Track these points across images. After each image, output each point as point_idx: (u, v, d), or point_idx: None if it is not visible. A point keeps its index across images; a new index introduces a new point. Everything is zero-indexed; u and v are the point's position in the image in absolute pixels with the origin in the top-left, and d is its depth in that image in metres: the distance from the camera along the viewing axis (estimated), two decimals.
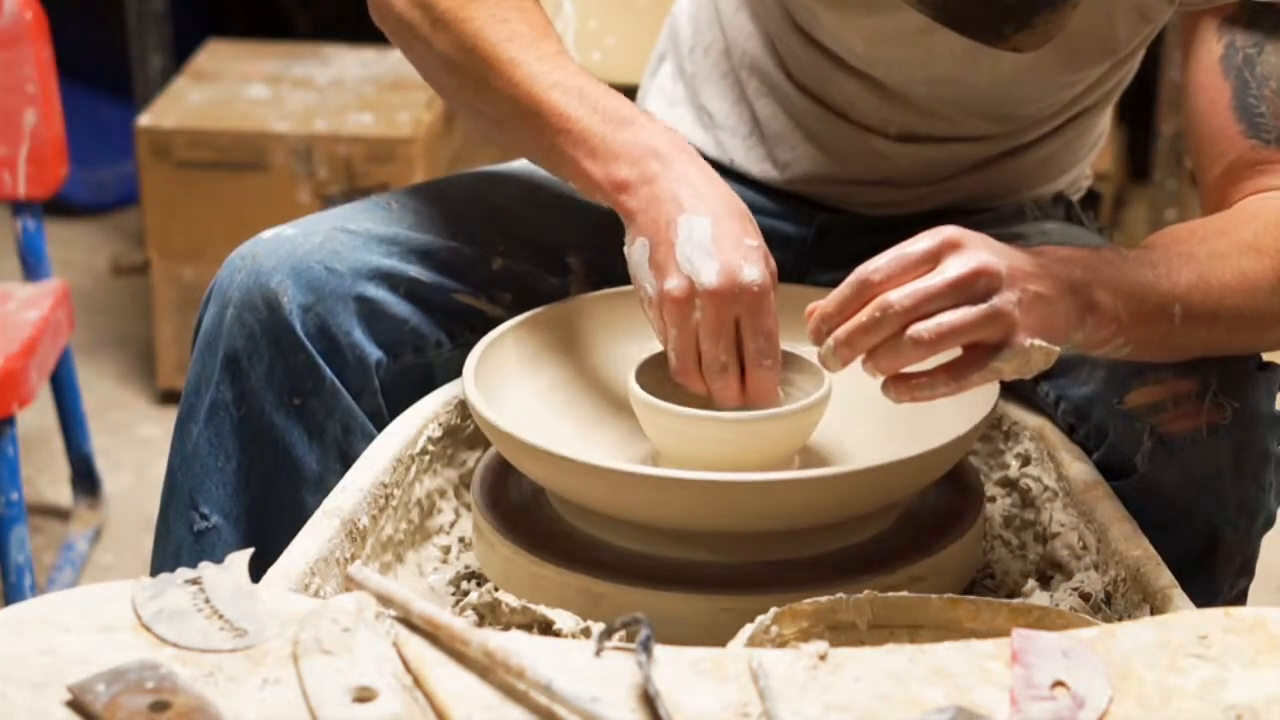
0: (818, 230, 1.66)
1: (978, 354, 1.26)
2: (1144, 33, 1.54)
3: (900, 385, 1.27)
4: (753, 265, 1.34)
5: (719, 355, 1.35)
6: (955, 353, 1.27)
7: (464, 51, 1.46)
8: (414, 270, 1.53)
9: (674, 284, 1.34)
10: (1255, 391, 1.38)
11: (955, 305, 1.24)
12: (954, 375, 1.26)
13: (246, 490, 1.50)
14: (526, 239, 1.59)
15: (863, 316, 1.25)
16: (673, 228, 1.35)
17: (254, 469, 1.50)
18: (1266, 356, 1.44)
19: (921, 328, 1.23)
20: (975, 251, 1.25)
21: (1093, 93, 1.63)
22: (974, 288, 1.24)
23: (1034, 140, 1.64)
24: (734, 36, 1.66)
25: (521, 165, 1.65)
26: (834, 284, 1.30)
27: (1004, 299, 1.24)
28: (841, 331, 1.26)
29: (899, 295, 1.24)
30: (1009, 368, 1.25)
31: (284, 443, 1.49)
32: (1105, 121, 1.72)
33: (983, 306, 1.24)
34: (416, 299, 1.54)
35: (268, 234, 1.52)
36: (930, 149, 1.62)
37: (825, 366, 1.30)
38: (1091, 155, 1.73)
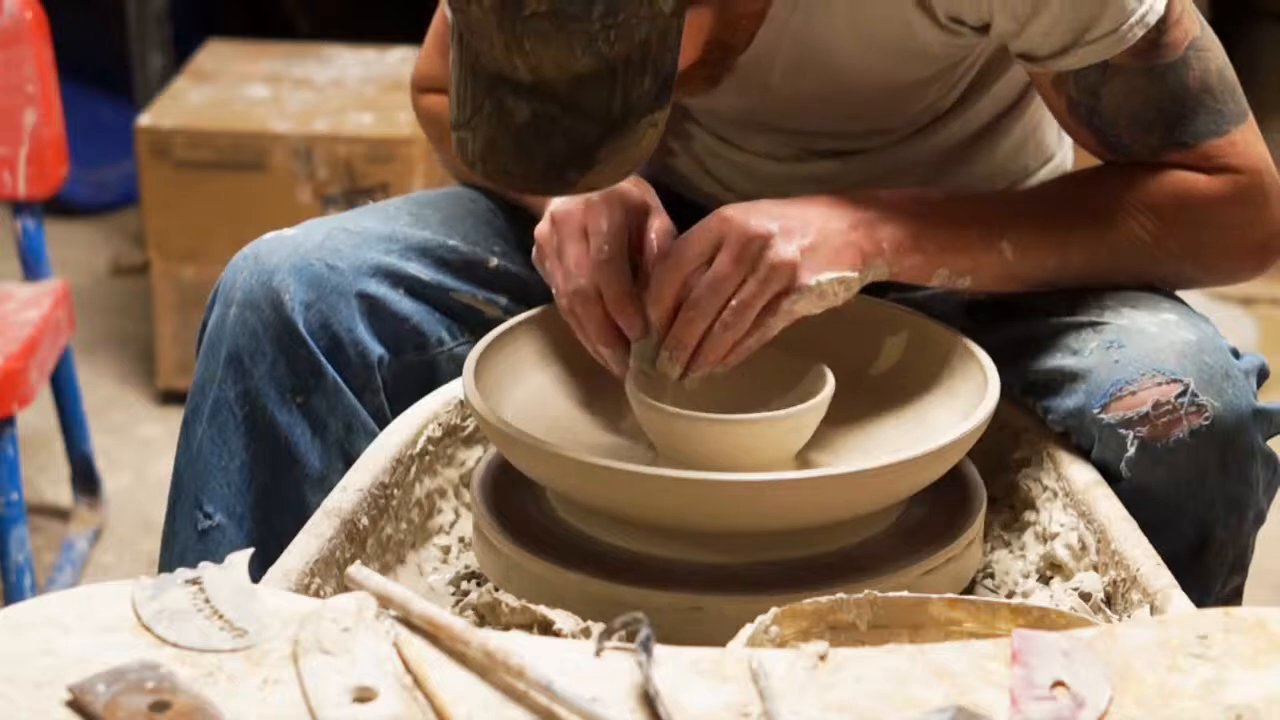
0: None
1: (773, 303, 1.37)
2: (962, 44, 1.52)
3: (720, 360, 1.39)
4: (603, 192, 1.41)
5: (566, 260, 1.41)
6: None
7: None
8: (413, 268, 1.54)
9: (539, 225, 1.45)
10: (1234, 389, 1.39)
11: (744, 276, 1.36)
12: (757, 327, 1.38)
13: (250, 489, 1.51)
14: (520, 240, 1.60)
15: (680, 324, 1.38)
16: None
17: (257, 467, 1.50)
18: (1244, 349, 1.45)
19: (725, 314, 1.36)
20: (744, 221, 1.37)
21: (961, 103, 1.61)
22: (752, 254, 1.36)
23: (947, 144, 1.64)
24: None
25: None
26: None
27: (778, 251, 1.36)
28: (671, 342, 1.38)
29: (698, 294, 1.37)
30: (801, 306, 1.38)
31: (287, 441, 1.50)
32: (1040, 130, 1.71)
33: (761, 267, 1.36)
34: (417, 296, 1.55)
35: (270, 235, 1.54)
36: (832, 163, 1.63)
37: (667, 377, 1.40)
38: (1044, 165, 1.71)
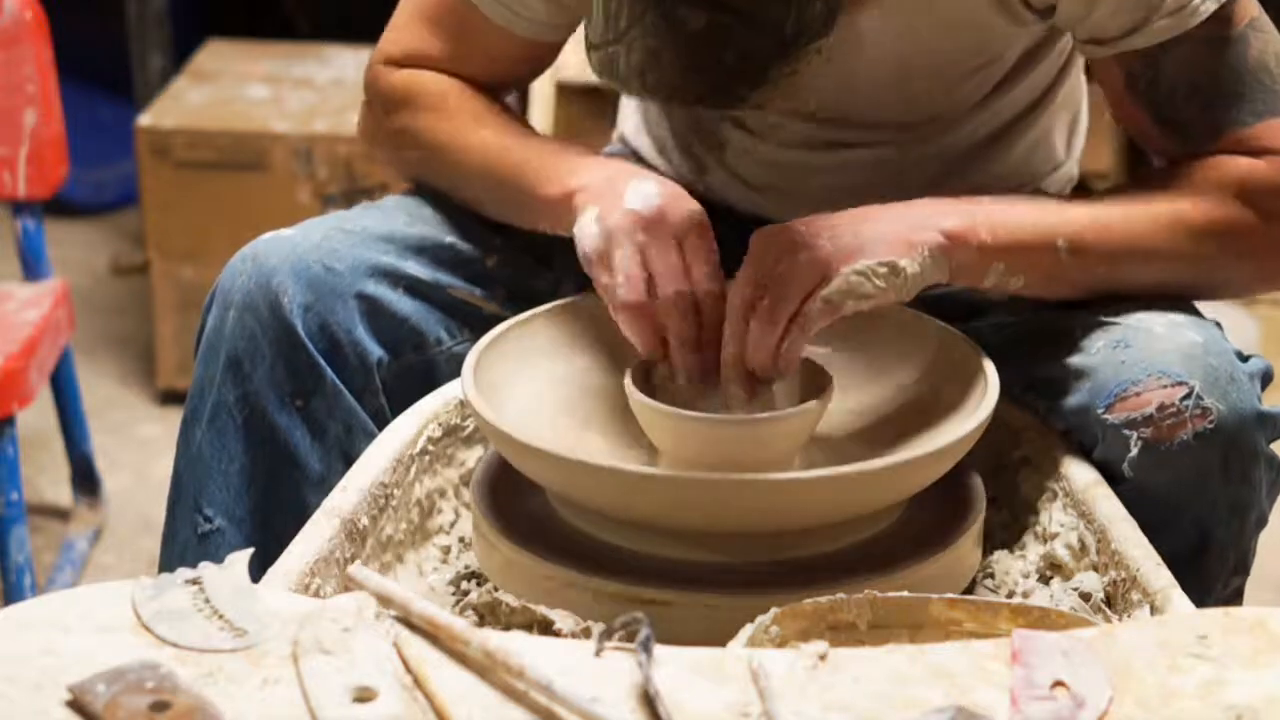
0: None
1: (810, 296, 1.37)
2: (1022, 32, 1.53)
3: (772, 363, 1.38)
4: (693, 202, 1.41)
5: (668, 261, 1.39)
6: None
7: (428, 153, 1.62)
8: (411, 267, 1.54)
9: (616, 218, 1.41)
10: (1239, 392, 1.39)
11: (780, 276, 1.36)
12: (799, 325, 1.37)
13: (250, 492, 1.50)
14: (516, 237, 1.60)
15: (726, 340, 1.38)
16: (621, 193, 1.42)
17: (257, 470, 1.50)
18: (1248, 350, 1.45)
19: (760, 312, 1.36)
20: (776, 232, 1.38)
21: (1004, 98, 1.62)
22: (782, 254, 1.36)
23: (976, 144, 1.64)
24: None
25: None
26: None
27: (810, 250, 1.36)
28: (727, 355, 1.38)
29: (734, 296, 1.37)
30: (837, 296, 1.36)
31: (287, 443, 1.50)
32: (1067, 126, 1.71)
33: (793, 265, 1.36)
34: (415, 295, 1.55)
35: (267, 236, 1.53)
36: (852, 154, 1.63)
37: (733, 402, 1.39)
38: (1052, 172, 1.72)
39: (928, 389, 1.47)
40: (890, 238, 1.38)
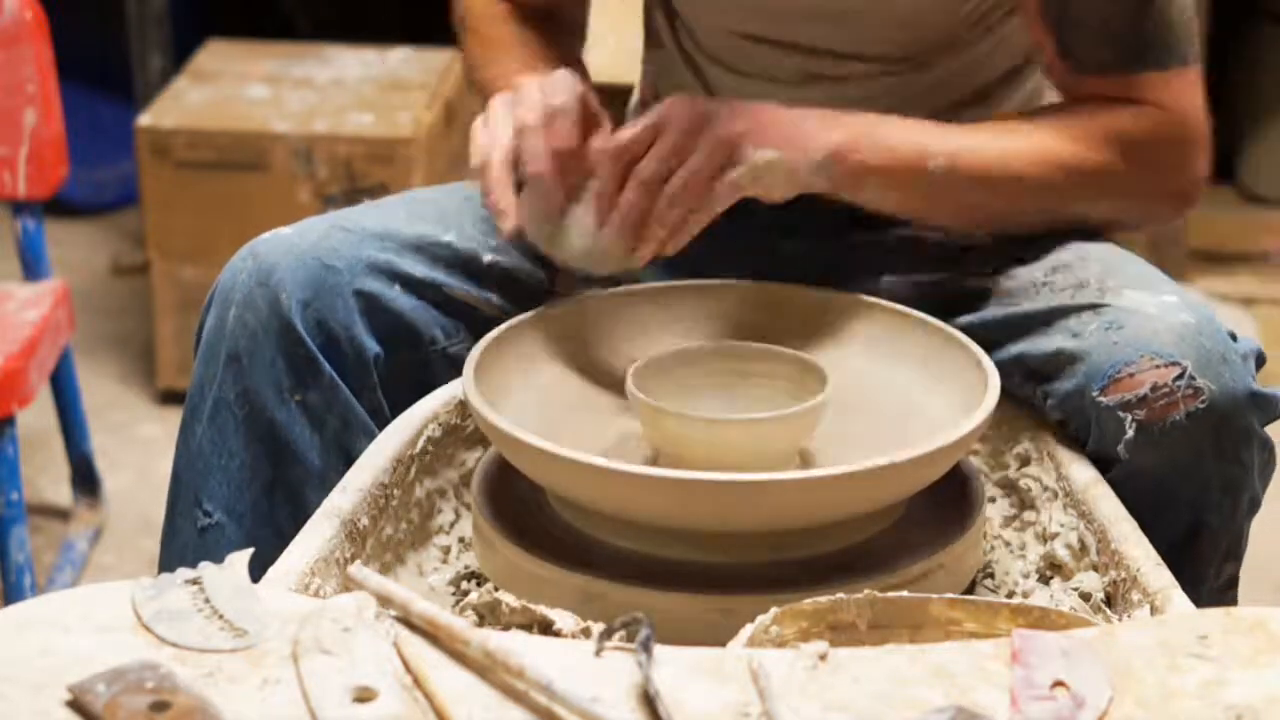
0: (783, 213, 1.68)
1: (717, 176, 1.41)
2: None
3: (669, 235, 1.42)
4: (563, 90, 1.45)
5: (523, 115, 1.44)
6: None
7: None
8: (408, 264, 1.55)
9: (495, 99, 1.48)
10: (1232, 371, 1.40)
11: (690, 151, 1.40)
12: (703, 202, 1.41)
13: (250, 487, 1.51)
14: None
15: (628, 198, 1.41)
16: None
17: (256, 466, 1.51)
18: (1241, 334, 1.45)
19: (669, 188, 1.40)
20: (690, 102, 1.42)
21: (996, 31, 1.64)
22: (697, 129, 1.40)
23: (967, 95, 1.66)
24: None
25: None
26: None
27: (724, 126, 1.41)
28: (617, 219, 1.41)
29: (644, 168, 1.40)
30: (744, 179, 1.41)
31: (285, 438, 1.50)
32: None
33: (707, 139, 1.40)
34: (413, 293, 1.55)
35: (267, 235, 1.54)
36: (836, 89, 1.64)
37: (609, 255, 1.43)
38: None
39: (928, 389, 1.47)
40: (790, 138, 1.44)
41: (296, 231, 1.54)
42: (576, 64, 1.67)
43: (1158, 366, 1.39)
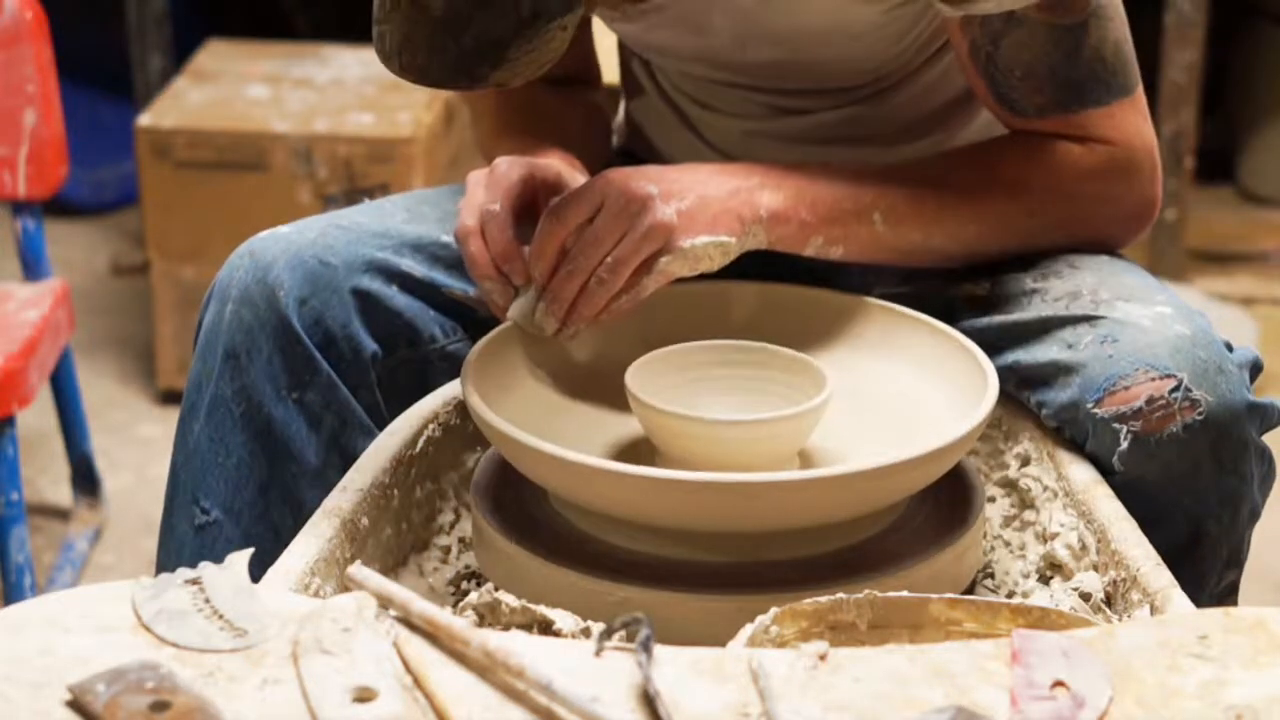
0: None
1: (648, 263, 1.43)
2: None
3: (594, 317, 1.44)
4: (542, 165, 1.50)
5: (470, 203, 1.47)
6: None
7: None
8: (406, 264, 1.55)
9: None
10: (1228, 383, 1.40)
11: (621, 234, 1.41)
12: (629, 287, 1.43)
13: (247, 485, 1.51)
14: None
15: (558, 279, 1.43)
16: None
17: (254, 463, 1.51)
18: (1237, 344, 1.45)
19: (600, 271, 1.42)
20: (625, 182, 1.42)
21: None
22: (631, 213, 1.41)
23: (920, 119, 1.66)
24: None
25: None
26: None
27: (657, 214, 1.41)
28: (549, 295, 1.44)
29: (575, 250, 1.42)
30: (675, 267, 1.44)
31: (283, 436, 1.50)
32: None
33: (639, 226, 1.41)
34: (410, 293, 1.55)
35: (264, 233, 1.54)
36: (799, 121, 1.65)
37: (543, 330, 1.45)
38: None
39: (927, 389, 1.47)
40: (724, 209, 1.45)
41: (294, 230, 1.54)
42: (583, 119, 1.71)
43: (1153, 379, 1.39)
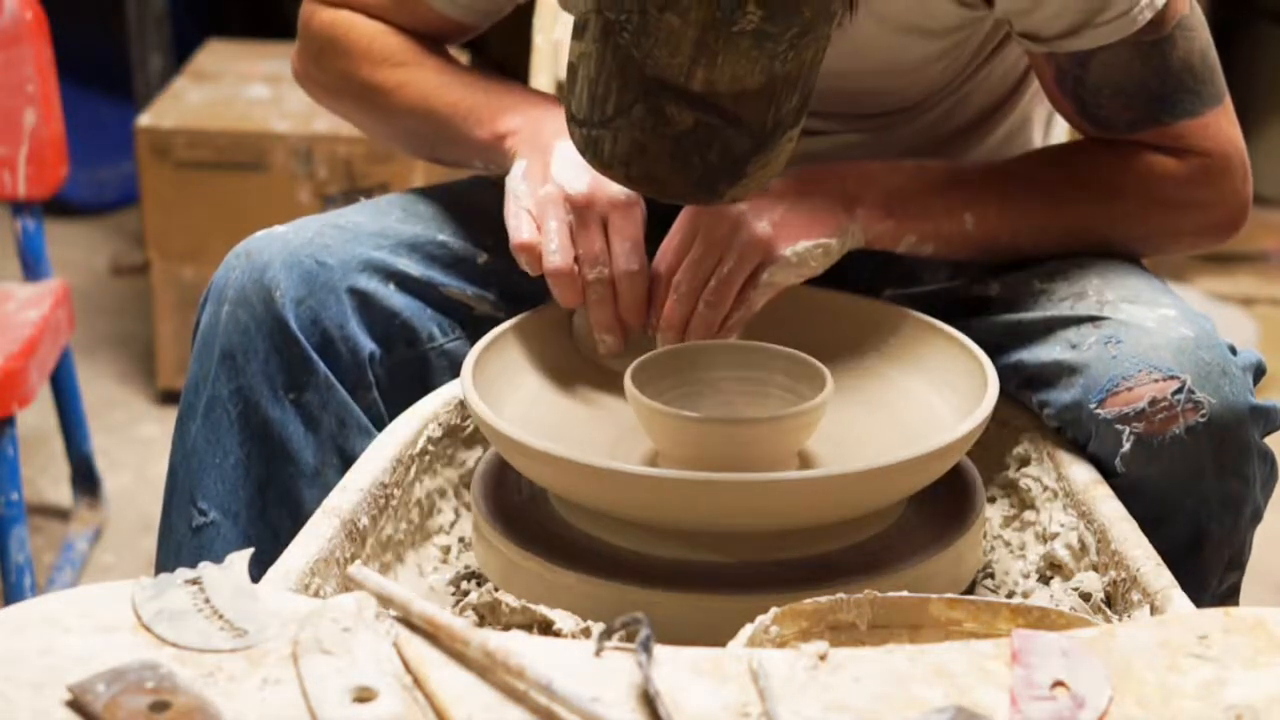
0: None
1: (752, 278, 1.46)
2: (972, 20, 1.53)
3: (711, 338, 1.46)
4: (617, 185, 1.44)
5: (591, 247, 1.47)
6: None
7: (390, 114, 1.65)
8: (403, 263, 1.55)
9: (548, 189, 1.48)
10: (1232, 386, 1.40)
11: (719, 256, 1.45)
12: (739, 305, 1.47)
13: (245, 485, 1.51)
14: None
15: (668, 308, 1.46)
16: (549, 150, 1.50)
17: (252, 464, 1.51)
18: (1240, 346, 1.45)
19: (706, 294, 1.45)
20: (715, 208, 1.44)
21: (959, 89, 1.64)
22: (724, 234, 1.44)
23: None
24: None
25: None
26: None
27: (752, 229, 1.44)
28: (663, 325, 1.47)
29: (679, 279, 1.46)
30: (780, 277, 1.46)
31: (280, 437, 1.50)
32: (1046, 112, 1.73)
33: (735, 245, 1.44)
34: (407, 291, 1.55)
35: (261, 233, 1.54)
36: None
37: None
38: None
39: (927, 389, 1.47)
40: (820, 215, 1.46)
41: (290, 229, 1.54)
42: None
43: (1156, 380, 1.39)
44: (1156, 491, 1.41)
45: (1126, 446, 1.39)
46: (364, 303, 1.52)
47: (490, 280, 1.59)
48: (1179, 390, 1.38)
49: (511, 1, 1.64)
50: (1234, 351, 1.44)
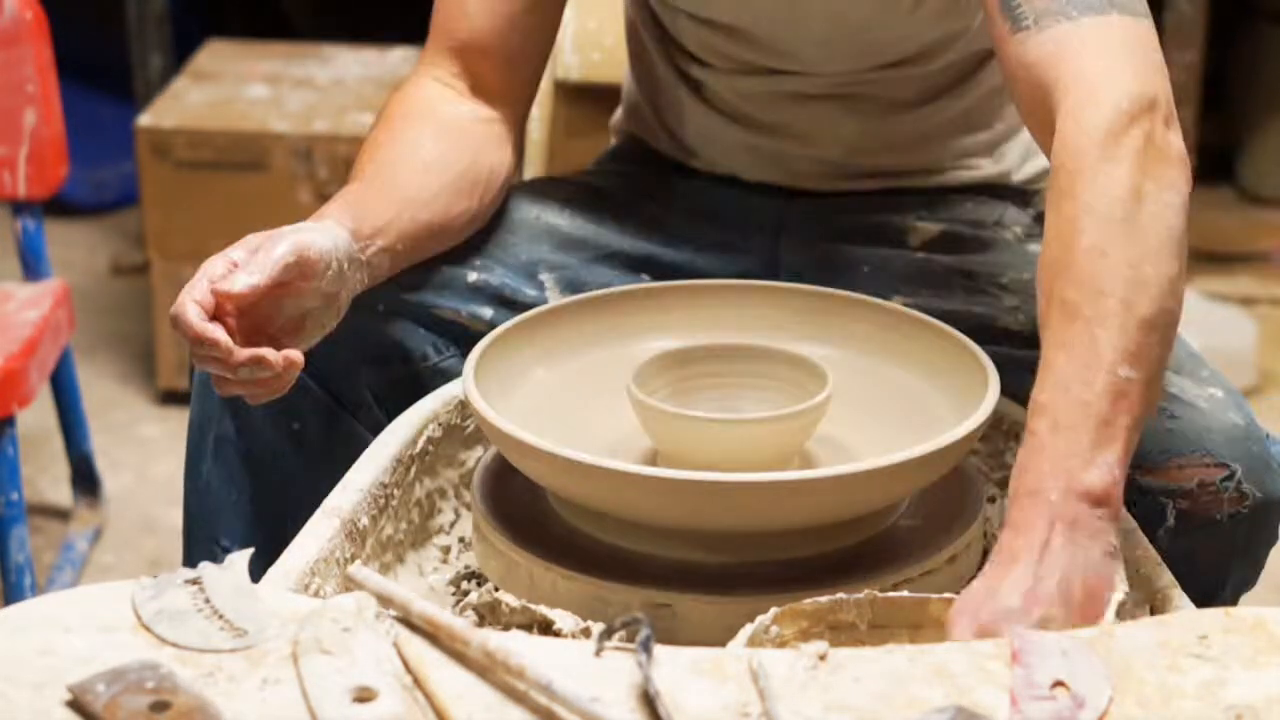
0: (780, 214, 1.69)
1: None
2: None
3: None
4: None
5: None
6: None
7: None
8: (393, 286, 1.54)
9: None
10: (1273, 479, 1.43)
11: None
12: None
13: (262, 519, 1.52)
14: (500, 256, 1.61)
15: None
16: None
17: (265, 498, 1.52)
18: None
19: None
20: (989, 613, 1.17)
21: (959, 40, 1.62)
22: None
23: (932, 91, 1.66)
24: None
25: None
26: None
27: (1036, 615, 1.17)
28: None
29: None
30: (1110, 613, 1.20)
31: (290, 469, 1.51)
32: None
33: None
34: (400, 314, 1.55)
35: None
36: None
37: None
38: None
39: (928, 389, 1.47)
40: (1091, 557, 1.21)
41: None
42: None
43: (1208, 465, 1.41)
44: (1182, 567, 1.38)
45: (1170, 521, 1.41)
46: (358, 327, 1.51)
47: (482, 297, 1.59)
48: (1228, 478, 1.41)
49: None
50: (1271, 439, 1.46)
